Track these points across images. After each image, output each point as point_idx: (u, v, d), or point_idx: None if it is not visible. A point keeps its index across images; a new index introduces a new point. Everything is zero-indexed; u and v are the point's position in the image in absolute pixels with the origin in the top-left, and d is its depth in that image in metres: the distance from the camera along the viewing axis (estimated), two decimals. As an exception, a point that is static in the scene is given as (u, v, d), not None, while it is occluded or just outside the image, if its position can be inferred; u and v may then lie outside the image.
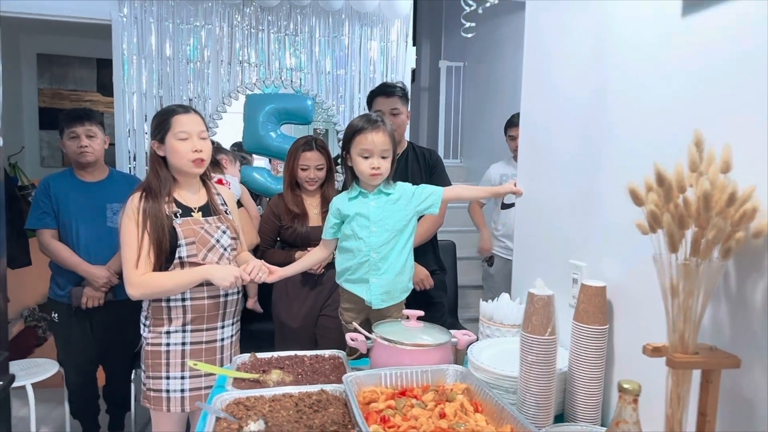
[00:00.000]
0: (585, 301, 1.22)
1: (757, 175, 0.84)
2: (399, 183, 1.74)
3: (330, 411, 1.20)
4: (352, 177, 1.73)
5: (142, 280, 1.65)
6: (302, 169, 2.36)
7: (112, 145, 2.83)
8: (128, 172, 3.09)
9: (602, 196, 1.30)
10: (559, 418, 1.26)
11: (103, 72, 4.27)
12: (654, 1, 1.10)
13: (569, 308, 1.32)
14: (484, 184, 3.32)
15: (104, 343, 2.49)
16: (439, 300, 2.50)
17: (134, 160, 3.12)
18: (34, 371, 2.44)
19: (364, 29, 3.36)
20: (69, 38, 4.18)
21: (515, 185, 1.72)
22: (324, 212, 2.39)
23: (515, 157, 3.07)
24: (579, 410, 1.23)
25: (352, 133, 1.67)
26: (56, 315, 2.46)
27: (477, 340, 1.54)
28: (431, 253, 2.54)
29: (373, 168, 1.65)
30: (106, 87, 4.29)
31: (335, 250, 1.82)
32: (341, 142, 1.78)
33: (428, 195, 1.70)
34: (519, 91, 1.75)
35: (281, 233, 2.43)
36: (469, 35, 3.05)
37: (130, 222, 1.66)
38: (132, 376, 2.66)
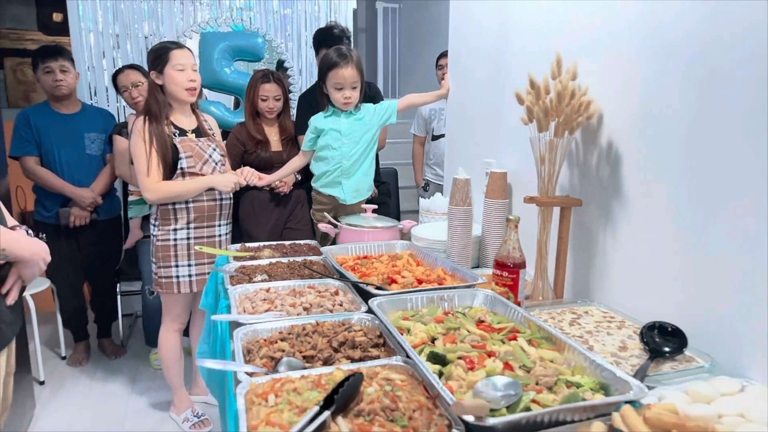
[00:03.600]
0: (492, 184, 1.71)
1: (593, 79, 1.32)
2: (363, 104, 2.12)
3: (314, 267, 1.64)
4: (328, 101, 2.10)
5: (157, 186, 2.00)
6: (262, 100, 2.67)
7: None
8: (90, 107, 3.27)
9: (504, 110, 1.77)
10: (475, 269, 1.77)
11: (42, 11, 4.25)
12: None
13: (483, 195, 1.80)
14: (417, 119, 3.79)
15: (90, 259, 2.79)
16: (383, 201, 2.97)
17: (95, 95, 3.30)
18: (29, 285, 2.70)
19: (307, -29, 3.61)
20: (1, -26, 4.11)
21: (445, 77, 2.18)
22: (283, 139, 2.75)
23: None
24: (489, 260, 1.74)
25: (327, 68, 2.02)
26: (44, 235, 2.71)
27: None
28: (377, 157, 3.01)
29: (345, 98, 2.03)
30: (47, 26, 4.29)
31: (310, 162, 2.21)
32: (318, 72, 2.11)
33: (386, 108, 2.12)
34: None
35: (245, 158, 2.76)
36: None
37: (138, 140, 1.98)
38: (117, 289, 2.99)
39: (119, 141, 2.70)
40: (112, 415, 2.44)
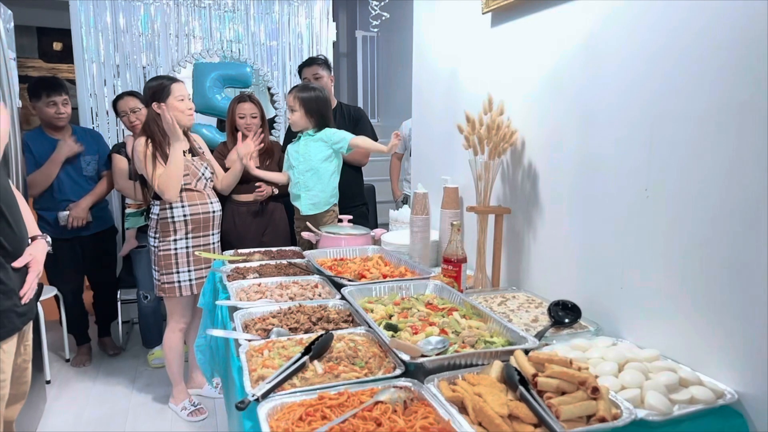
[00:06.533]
0: (447, 196, 2.05)
1: (516, 114, 1.68)
2: (326, 129, 2.47)
3: (298, 268, 1.96)
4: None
5: (162, 185, 2.27)
6: (240, 117, 2.94)
7: (75, 109, 3.32)
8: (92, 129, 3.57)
9: (456, 136, 2.12)
10: (434, 268, 2.10)
11: (43, 40, 4.55)
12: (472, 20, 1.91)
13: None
14: None
15: (90, 266, 3.10)
16: (361, 224, 3.29)
17: (97, 118, 3.60)
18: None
19: (291, 7, 3.98)
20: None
21: (395, 137, 2.38)
22: (261, 155, 3.04)
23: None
24: (445, 260, 2.07)
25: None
26: (50, 249, 2.99)
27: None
28: (361, 179, 3.31)
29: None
30: (47, 54, 4.59)
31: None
32: None
33: (340, 138, 2.45)
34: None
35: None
36: (376, 22, 3.78)
37: (140, 158, 2.31)
38: (118, 295, 3.28)
39: (118, 159, 3.00)
40: (116, 408, 2.70)
